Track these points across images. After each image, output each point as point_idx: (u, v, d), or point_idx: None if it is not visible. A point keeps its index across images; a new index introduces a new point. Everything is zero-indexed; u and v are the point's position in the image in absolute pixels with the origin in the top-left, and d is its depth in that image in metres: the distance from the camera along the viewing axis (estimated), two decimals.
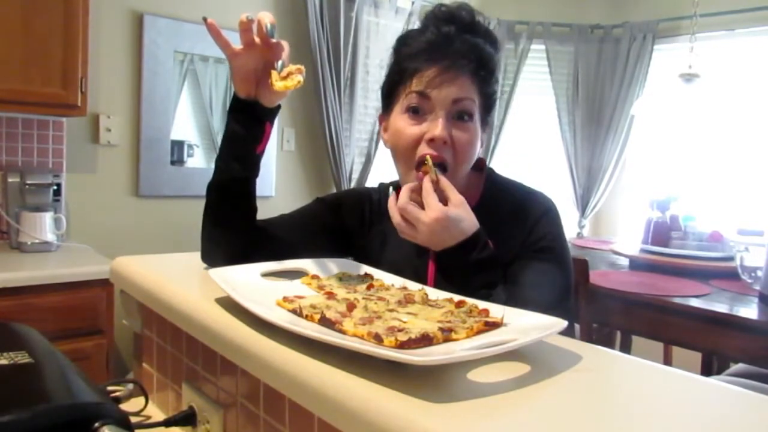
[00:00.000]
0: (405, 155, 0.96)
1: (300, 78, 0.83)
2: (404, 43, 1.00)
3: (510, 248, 0.96)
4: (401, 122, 0.96)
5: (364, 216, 1.11)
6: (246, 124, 0.91)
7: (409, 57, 0.97)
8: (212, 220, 0.95)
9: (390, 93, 1.01)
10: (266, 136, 0.93)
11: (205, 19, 0.85)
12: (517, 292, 0.90)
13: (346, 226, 1.10)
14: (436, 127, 0.92)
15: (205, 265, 0.96)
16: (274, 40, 0.85)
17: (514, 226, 0.98)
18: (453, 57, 0.93)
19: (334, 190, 3.14)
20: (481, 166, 1.06)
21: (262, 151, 0.94)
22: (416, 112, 0.94)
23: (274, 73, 0.84)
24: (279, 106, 0.93)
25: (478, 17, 0.99)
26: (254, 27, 0.83)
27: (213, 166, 0.95)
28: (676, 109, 2.85)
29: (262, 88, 0.89)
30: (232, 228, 0.94)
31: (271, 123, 0.93)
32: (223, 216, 0.94)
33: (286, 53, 0.85)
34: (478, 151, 0.99)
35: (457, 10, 0.98)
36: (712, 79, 2.96)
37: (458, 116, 0.94)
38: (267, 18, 0.83)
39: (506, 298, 0.87)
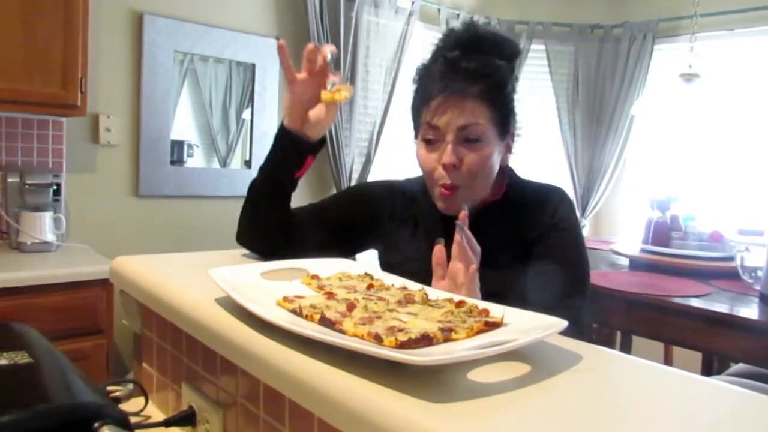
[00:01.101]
0: (427, 176, 1.06)
1: (347, 93, 0.90)
2: (421, 75, 1.07)
3: (535, 230, 1.06)
4: (420, 149, 1.06)
5: (396, 209, 1.17)
6: (288, 152, 0.99)
7: (423, 88, 1.05)
8: (252, 213, 1.04)
9: (414, 120, 1.10)
10: (306, 165, 1.01)
11: (277, 39, 0.94)
12: (544, 279, 0.99)
13: (374, 218, 1.16)
14: (444, 156, 0.99)
15: (205, 265, 0.95)
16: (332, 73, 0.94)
17: (537, 212, 1.07)
18: (457, 82, 0.98)
19: (334, 190, 3.15)
20: (503, 168, 1.13)
21: (302, 175, 1.03)
22: (430, 142, 1.03)
23: (324, 90, 0.92)
24: (323, 141, 1.02)
25: (485, 30, 1.04)
26: (319, 57, 0.92)
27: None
28: (676, 109, 2.85)
29: (308, 119, 0.97)
30: (270, 219, 1.04)
31: (313, 156, 1.01)
32: (262, 212, 1.04)
33: (339, 78, 0.94)
34: (495, 166, 1.04)
35: (462, 33, 1.04)
36: (712, 79, 2.96)
37: (467, 140, 1.00)
38: (329, 49, 0.92)
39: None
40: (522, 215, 1.07)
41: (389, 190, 1.20)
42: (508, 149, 1.09)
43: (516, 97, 1.07)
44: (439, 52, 1.04)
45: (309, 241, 1.03)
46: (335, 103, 0.91)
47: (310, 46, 0.90)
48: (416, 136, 1.10)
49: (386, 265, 1.13)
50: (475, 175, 1.01)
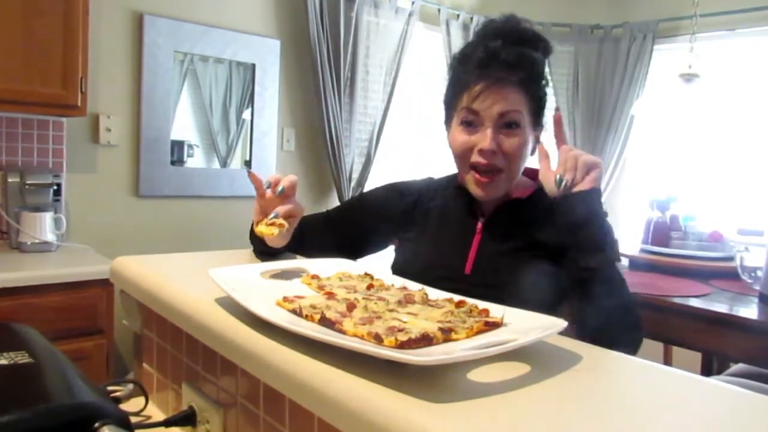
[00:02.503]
0: (460, 160, 1.08)
1: (275, 231, 0.95)
2: (459, 62, 1.10)
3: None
4: (457, 132, 1.08)
5: (417, 197, 1.21)
6: (255, 243, 1.09)
7: (462, 74, 1.07)
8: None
9: (449, 106, 1.13)
10: (270, 256, 1.06)
11: (248, 171, 1.22)
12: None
13: (405, 208, 1.21)
14: (485, 139, 1.02)
15: (205, 265, 0.95)
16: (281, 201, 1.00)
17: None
18: (499, 71, 1.02)
19: (334, 191, 3.15)
20: (534, 176, 1.15)
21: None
22: (469, 125, 1.05)
23: (263, 220, 0.98)
24: (282, 249, 1.06)
25: (524, 25, 1.07)
26: (278, 188, 1.00)
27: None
28: (676, 109, 2.85)
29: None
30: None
31: (274, 255, 1.06)
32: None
33: (284, 209, 0.98)
34: (528, 153, 1.08)
35: (504, 24, 1.07)
36: (712, 79, 2.96)
37: (506, 126, 1.03)
38: (285, 181, 0.99)
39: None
40: (546, 218, 1.04)
41: (397, 190, 1.24)
42: (537, 140, 1.10)
43: (548, 91, 1.10)
44: (480, 41, 1.06)
45: (320, 250, 1.05)
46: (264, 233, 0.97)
47: (273, 179, 0.99)
48: (447, 122, 1.14)
49: (403, 263, 1.17)
50: (512, 159, 1.04)
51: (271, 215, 0.98)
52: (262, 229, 0.96)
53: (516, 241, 1.07)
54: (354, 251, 1.18)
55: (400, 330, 0.60)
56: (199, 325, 0.74)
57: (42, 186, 2.21)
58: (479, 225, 1.11)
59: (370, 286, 0.81)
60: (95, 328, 2.00)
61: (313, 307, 0.68)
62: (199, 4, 2.67)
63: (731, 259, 2.15)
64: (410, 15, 3.25)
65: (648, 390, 0.58)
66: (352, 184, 3.17)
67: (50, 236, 2.19)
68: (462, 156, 1.07)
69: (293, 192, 1.01)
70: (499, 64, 1.02)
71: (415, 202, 1.21)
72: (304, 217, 1.07)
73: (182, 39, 2.63)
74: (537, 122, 1.09)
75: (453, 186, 1.18)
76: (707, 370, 2.54)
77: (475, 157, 1.05)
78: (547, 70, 1.11)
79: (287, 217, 0.98)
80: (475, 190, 1.07)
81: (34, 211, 2.17)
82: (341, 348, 0.56)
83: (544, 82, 1.08)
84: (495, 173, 1.04)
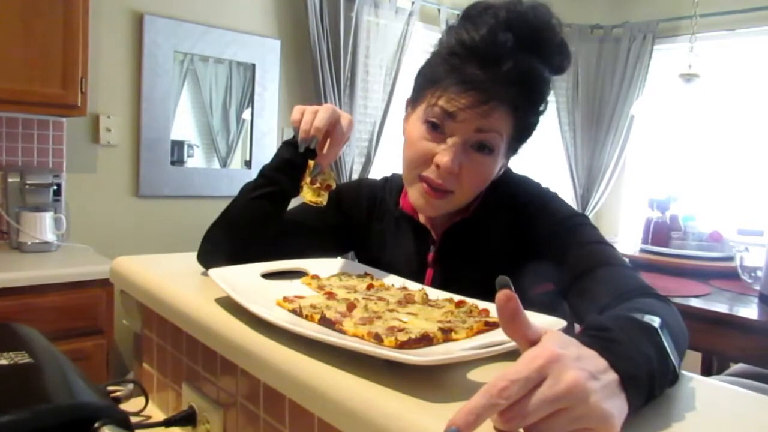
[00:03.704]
0: (411, 164, 0.89)
1: (324, 198, 0.90)
2: (452, 34, 0.86)
3: (527, 241, 0.89)
4: (417, 131, 0.88)
5: (365, 213, 1.07)
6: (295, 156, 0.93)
7: (448, 59, 0.84)
8: (233, 224, 0.93)
9: (421, 87, 0.90)
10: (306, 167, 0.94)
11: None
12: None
13: (346, 222, 1.06)
14: (447, 155, 0.83)
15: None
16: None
17: (517, 224, 0.91)
18: (495, 86, 0.81)
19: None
20: None
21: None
22: (435, 129, 0.85)
23: (306, 183, 0.90)
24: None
25: (553, 21, 0.83)
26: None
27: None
28: (676, 109, 2.85)
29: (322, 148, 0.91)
30: (252, 239, 0.92)
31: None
32: (249, 223, 0.92)
33: (327, 160, 0.90)
34: (489, 181, 0.90)
35: (530, 11, 0.82)
36: (712, 79, 2.96)
37: (478, 147, 0.85)
38: (314, 129, 0.89)
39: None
40: (501, 231, 0.92)
41: (356, 190, 1.09)
42: (505, 166, 0.94)
43: (541, 119, 0.90)
44: (489, 19, 0.82)
45: (287, 247, 0.95)
46: (314, 201, 0.89)
47: (303, 134, 0.91)
48: (413, 102, 0.92)
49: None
50: (470, 188, 0.88)
51: (313, 170, 0.87)
52: (312, 198, 0.87)
53: (473, 267, 0.92)
54: (318, 253, 0.98)
55: (400, 330, 0.60)
56: (199, 325, 0.74)
57: (42, 186, 2.22)
58: (430, 256, 0.97)
59: (370, 286, 0.81)
60: (95, 328, 2.00)
61: (313, 307, 0.68)
62: (199, 4, 2.67)
63: (731, 259, 2.15)
64: (410, 15, 3.25)
65: None
66: None
67: (50, 236, 2.19)
68: (416, 163, 0.87)
69: (332, 126, 0.87)
70: (498, 77, 0.81)
71: (371, 215, 1.06)
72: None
73: (182, 39, 2.63)
74: (513, 149, 0.91)
75: (399, 209, 1.01)
76: (707, 370, 2.54)
77: (429, 172, 0.86)
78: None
79: (331, 158, 0.87)
80: (419, 202, 0.89)
81: (34, 211, 2.17)
82: (341, 348, 0.56)
83: (542, 107, 0.88)
84: (445, 192, 0.86)
